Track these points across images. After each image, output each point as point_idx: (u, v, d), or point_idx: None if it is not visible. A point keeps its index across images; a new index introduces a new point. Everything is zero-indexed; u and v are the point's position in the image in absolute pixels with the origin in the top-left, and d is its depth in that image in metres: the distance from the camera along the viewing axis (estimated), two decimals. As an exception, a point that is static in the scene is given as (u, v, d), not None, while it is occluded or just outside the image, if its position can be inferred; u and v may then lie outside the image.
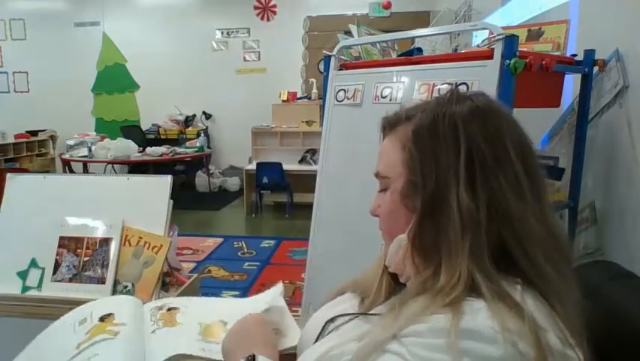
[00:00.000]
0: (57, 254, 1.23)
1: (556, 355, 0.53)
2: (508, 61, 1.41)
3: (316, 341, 0.70)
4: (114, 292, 1.59)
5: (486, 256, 0.58)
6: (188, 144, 6.37)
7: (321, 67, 2.51)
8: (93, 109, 7.84)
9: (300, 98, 6.84)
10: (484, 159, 0.61)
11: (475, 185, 0.61)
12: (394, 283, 0.72)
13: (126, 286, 1.58)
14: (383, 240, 0.73)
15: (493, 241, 0.59)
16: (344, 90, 1.96)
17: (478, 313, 0.53)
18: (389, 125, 0.72)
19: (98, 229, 1.22)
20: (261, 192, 5.81)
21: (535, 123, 1.84)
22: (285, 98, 6.74)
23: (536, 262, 0.59)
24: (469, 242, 0.58)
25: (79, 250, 1.22)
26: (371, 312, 0.69)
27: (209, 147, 6.90)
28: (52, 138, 7.74)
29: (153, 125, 7.38)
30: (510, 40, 1.43)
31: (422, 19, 6.36)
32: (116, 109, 7.77)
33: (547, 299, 0.58)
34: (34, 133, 7.51)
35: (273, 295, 0.90)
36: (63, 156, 6.06)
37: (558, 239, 0.63)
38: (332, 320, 0.70)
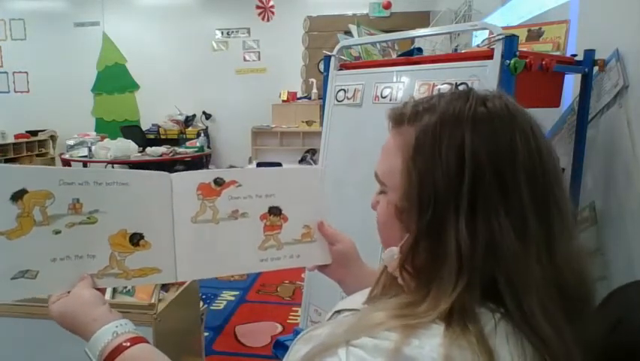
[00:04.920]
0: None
1: None
2: (508, 61, 1.41)
3: None
4: (114, 291, 1.59)
5: (477, 294, 0.53)
6: (188, 144, 6.36)
7: (321, 67, 2.51)
8: (93, 109, 7.84)
9: (300, 98, 6.86)
10: (488, 189, 0.53)
11: (476, 219, 0.53)
12: (393, 280, 0.69)
13: (126, 286, 1.58)
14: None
15: (487, 282, 0.54)
16: (344, 90, 1.96)
17: (430, 340, 0.50)
18: (394, 122, 0.63)
19: (98, 228, 1.22)
20: (261, 192, 5.79)
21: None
22: (285, 98, 6.75)
23: (530, 312, 0.53)
24: (464, 283, 0.53)
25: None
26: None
27: (209, 147, 6.89)
28: (52, 138, 7.73)
29: (153, 125, 7.38)
30: (510, 40, 1.44)
31: (422, 19, 6.37)
32: (116, 109, 7.77)
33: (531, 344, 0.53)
34: (34, 133, 7.50)
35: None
36: (63, 156, 6.06)
37: (567, 289, 0.55)
38: (339, 311, 0.70)
